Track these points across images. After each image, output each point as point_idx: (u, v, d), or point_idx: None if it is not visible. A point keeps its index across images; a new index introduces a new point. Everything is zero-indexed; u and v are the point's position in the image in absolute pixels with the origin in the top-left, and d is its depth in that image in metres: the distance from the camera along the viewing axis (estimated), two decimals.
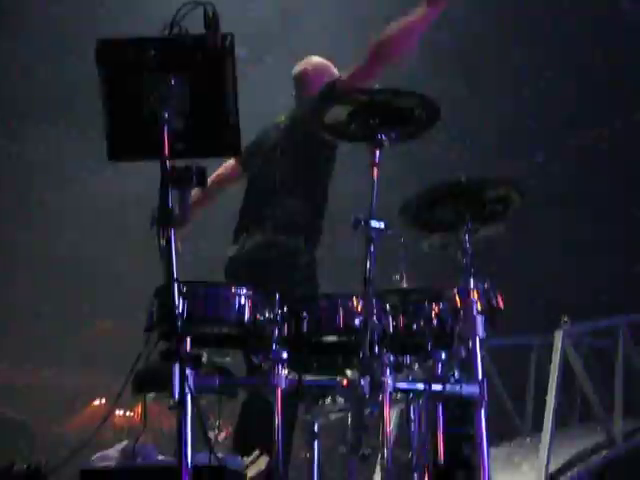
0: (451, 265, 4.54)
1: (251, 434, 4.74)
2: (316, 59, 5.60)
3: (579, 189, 11.42)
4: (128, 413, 17.70)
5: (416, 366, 4.35)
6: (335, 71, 5.44)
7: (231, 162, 5.56)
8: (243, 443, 4.67)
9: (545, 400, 7.74)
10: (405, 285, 4.87)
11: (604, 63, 10.70)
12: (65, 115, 11.36)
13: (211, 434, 4.53)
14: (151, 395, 4.29)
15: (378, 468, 4.89)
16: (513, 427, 9.34)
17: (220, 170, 5.60)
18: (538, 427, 8.31)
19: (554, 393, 7.46)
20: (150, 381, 4.05)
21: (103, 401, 18.77)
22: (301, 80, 5.55)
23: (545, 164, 11.81)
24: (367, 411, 3.82)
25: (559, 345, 7.67)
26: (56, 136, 11.77)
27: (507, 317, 4.36)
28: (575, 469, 7.40)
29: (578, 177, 11.56)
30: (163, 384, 3.85)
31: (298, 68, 5.61)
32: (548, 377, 7.93)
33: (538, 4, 10.26)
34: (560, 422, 7.94)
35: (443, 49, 10.17)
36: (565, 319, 7.82)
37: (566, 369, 7.91)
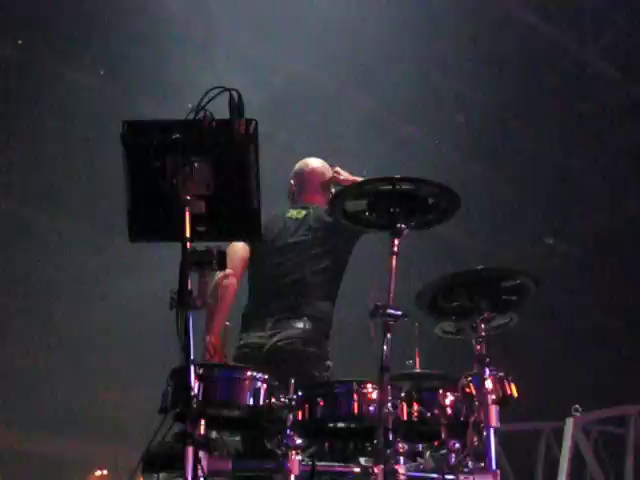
0: (463, 351, 4.55)
1: None
2: (320, 161, 5.72)
3: (589, 274, 11.44)
4: None
5: (427, 454, 4.34)
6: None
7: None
8: None
9: None
10: (418, 370, 4.87)
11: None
12: None
13: None
14: (162, 475, 4.27)
15: None
16: None
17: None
18: None
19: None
20: (162, 461, 4.03)
21: (105, 472, 18.65)
22: (308, 180, 5.62)
23: (557, 246, 11.82)
24: None
25: (569, 433, 7.62)
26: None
27: (517, 402, 4.36)
28: None
29: (588, 261, 11.59)
30: (174, 465, 3.84)
31: (308, 168, 5.67)
32: (556, 462, 7.87)
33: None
34: None
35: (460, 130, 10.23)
36: (576, 407, 7.78)
37: (576, 455, 7.85)
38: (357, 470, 3.87)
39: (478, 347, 4.26)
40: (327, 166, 5.66)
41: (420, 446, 4.21)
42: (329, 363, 4.99)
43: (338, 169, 5.54)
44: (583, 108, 10.19)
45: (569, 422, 7.70)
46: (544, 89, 9.98)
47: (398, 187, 3.94)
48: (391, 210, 3.98)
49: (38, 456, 14.81)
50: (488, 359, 4.21)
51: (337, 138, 9.97)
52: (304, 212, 5.46)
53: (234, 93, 3.66)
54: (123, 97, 9.50)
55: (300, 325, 5.02)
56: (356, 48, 9.23)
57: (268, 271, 5.32)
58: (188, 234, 3.60)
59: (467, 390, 4.16)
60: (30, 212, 11.37)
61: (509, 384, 4.34)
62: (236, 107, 3.68)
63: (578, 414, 7.76)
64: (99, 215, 10.66)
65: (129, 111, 8.60)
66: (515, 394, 4.35)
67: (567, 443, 7.59)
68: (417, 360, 4.90)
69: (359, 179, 5.10)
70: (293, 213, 5.42)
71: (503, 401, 4.23)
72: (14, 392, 14.00)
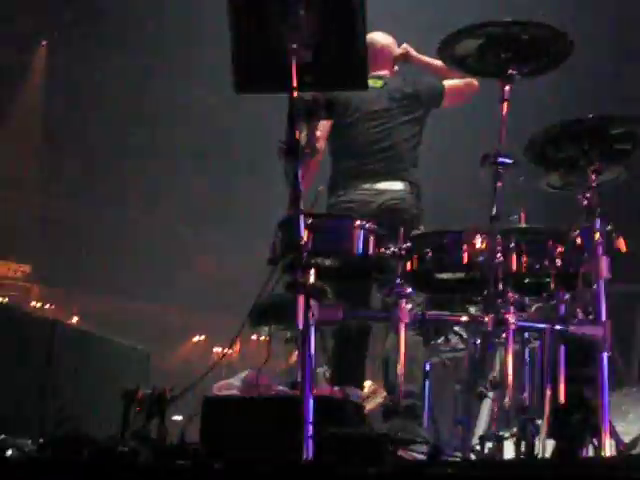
0: (569, 206, 4.47)
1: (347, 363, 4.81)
2: (389, 38, 5.79)
3: None
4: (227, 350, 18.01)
5: (534, 307, 4.31)
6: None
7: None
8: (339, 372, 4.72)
9: None
10: (524, 225, 4.81)
11: None
12: None
13: (321, 370, 4.58)
14: (266, 329, 4.33)
15: (487, 405, 4.87)
16: (619, 376, 9.19)
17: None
18: None
19: None
20: (272, 312, 4.08)
21: (202, 337, 19.15)
22: (379, 54, 5.62)
23: None
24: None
25: None
26: None
27: (623, 259, 4.28)
28: None
29: None
30: (283, 317, 3.89)
31: (379, 44, 5.68)
32: None
33: None
34: None
35: None
36: None
37: None
38: (466, 319, 3.87)
39: (587, 198, 4.17)
40: (395, 42, 5.77)
41: (527, 299, 4.17)
42: (422, 228, 5.03)
43: (406, 47, 5.71)
44: None
45: None
46: None
47: (510, 31, 3.83)
48: (502, 55, 3.89)
49: (137, 322, 15.23)
50: (598, 210, 4.12)
51: None
52: (380, 82, 5.56)
53: None
54: None
55: (403, 187, 5.13)
56: None
57: (359, 135, 5.41)
58: (295, 84, 3.57)
59: (576, 241, 4.10)
60: None
61: (617, 238, 4.25)
62: None
63: None
64: None
65: None
66: (623, 249, 4.27)
67: None
68: (523, 216, 4.84)
69: (430, 59, 5.49)
70: (370, 82, 5.43)
71: (612, 253, 4.16)
72: (117, 262, 14.39)
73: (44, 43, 13.51)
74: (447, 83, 5.54)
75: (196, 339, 19.19)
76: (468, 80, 5.47)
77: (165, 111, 12.92)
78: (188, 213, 14.80)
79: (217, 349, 17.31)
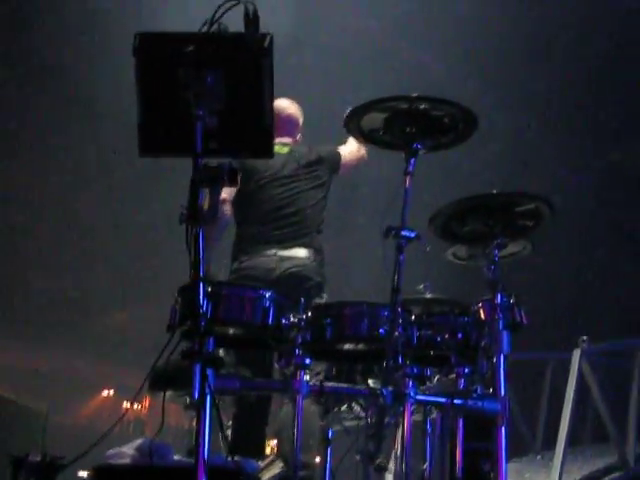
0: (473, 276, 4.50)
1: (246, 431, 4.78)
2: (294, 107, 5.92)
3: (600, 206, 11.36)
4: (135, 406, 17.80)
5: (435, 379, 4.32)
6: None
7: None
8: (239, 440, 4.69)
9: (557, 417, 7.66)
10: (429, 295, 4.83)
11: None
12: None
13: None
14: (168, 394, 4.25)
15: (389, 478, 4.84)
16: (523, 443, 9.26)
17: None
18: (549, 444, 8.26)
19: (569, 412, 7.38)
20: (168, 379, 4.01)
21: (112, 392, 18.89)
22: (285, 122, 5.72)
23: (569, 179, 11.71)
24: (386, 421, 3.79)
25: (576, 365, 7.60)
26: None
27: (525, 331, 4.32)
28: None
29: (600, 194, 11.50)
30: (181, 383, 3.83)
31: (285, 112, 5.75)
32: (560, 394, 7.85)
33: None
34: (572, 440, 7.87)
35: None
36: (584, 339, 7.74)
37: (581, 387, 7.83)
38: (365, 391, 3.85)
39: (491, 273, 4.21)
40: (300, 109, 5.90)
41: (429, 371, 4.17)
42: (325, 296, 5.06)
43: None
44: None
45: (575, 353, 7.67)
46: (563, 23, 9.81)
47: (415, 106, 3.87)
48: (407, 130, 3.92)
49: (46, 374, 14.94)
50: (501, 285, 4.15)
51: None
52: (286, 148, 5.62)
53: (249, 6, 3.58)
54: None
55: (306, 254, 5.14)
56: None
57: (265, 200, 5.44)
58: (200, 150, 3.56)
59: (478, 315, 4.12)
60: None
61: (519, 311, 4.29)
62: (251, 20, 3.60)
63: (585, 345, 7.73)
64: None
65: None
66: (525, 321, 4.30)
67: (573, 374, 7.57)
68: (427, 285, 4.87)
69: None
70: (276, 148, 5.45)
71: (513, 328, 4.19)
72: (24, 310, 14.06)
73: None
74: (342, 152, 5.68)
75: (105, 393, 18.94)
76: (360, 154, 5.73)
77: None
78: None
79: (127, 404, 17.08)
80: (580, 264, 11.41)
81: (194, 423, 3.93)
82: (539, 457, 8.75)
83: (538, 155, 11.28)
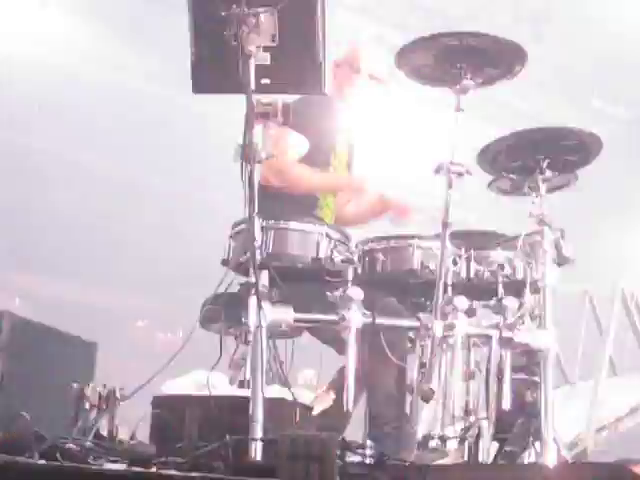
0: (519, 211, 4.53)
1: None
2: None
3: None
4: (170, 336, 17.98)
5: (479, 310, 4.36)
6: None
7: None
8: None
9: (593, 348, 7.74)
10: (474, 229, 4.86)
11: None
12: None
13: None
14: (217, 326, 4.33)
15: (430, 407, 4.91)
16: (562, 372, 9.32)
17: None
18: (586, 375, 8.32)
19: (610, 341, 7.43)
20: (223, 311, 4.09)
21: (145, 323, 19.03)
22: None
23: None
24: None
25: (618, 298, 7.65)
26: None
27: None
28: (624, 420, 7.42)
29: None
30: (234, 316, 3.91)
31: None
32: (597, 326, 7.90)
33: None
34: (611, 371, 7.95)
35: None
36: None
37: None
38: (416, 325, 3.92)
39: (537, 206, 4.24)
40: None
41: (476, 303, 4.22)
42: None
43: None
44: None
45: (617, 287, 7.72)
46: None
47: (465, 42, 3.89)
48: (458, 65, 3.94)
49: (79, 305, 15.07)
50: (547, 218, 4.19)
51: None
52: None
53: None
54: None
55: None
56: None
57: None
58: (253, 86, 3.60)
59: (525, 249, 4.16)
60: None
61: (566, 244, 4.32)
62: None
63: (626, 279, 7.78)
64: None
65: None
66: (572, 255, 4.34)
67: (616, 307, 7.62)
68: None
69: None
70: None
71: (560, 262, 4.24)
72: (57, 241, 14.14)
73: None
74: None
75: (140, 324, 19.07)
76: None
77: None
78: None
79: (161, 335, 17.23)
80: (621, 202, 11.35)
81: (241, 354, 4.02)
82: (578, 385, 8.81)
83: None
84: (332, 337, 4.06)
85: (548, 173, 4.22)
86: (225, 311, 3.99)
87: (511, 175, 4.38)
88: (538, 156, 4.20)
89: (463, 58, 3.93)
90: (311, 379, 4.46)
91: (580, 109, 11.16)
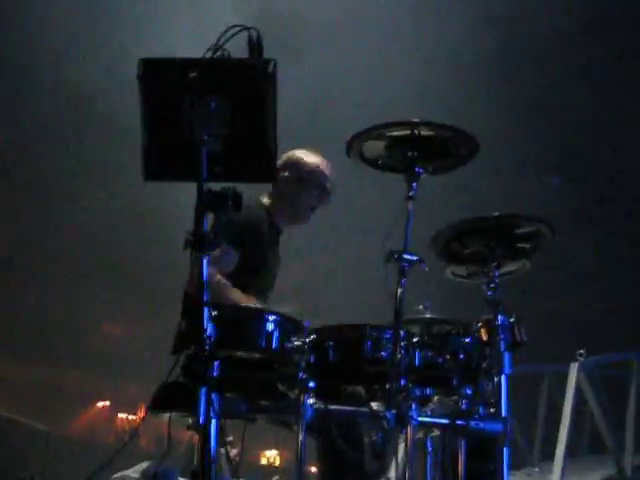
0: (470, 294, 4.53)
1: None
2: None
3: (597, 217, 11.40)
4: (130, 417, 17.81)
5: (436, 399, 4.33)
6: None
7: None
8: None
9: (553, 429, 7.71)
10: (429, 315, 4.85)
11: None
12: None
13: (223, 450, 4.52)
14: (167, 415, 4.27)
15: None
16: (520, 456, 9.29)
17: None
18: (545, 456, 8.29)
19: (567, 425, 7.41)
20: (172, 400, 4.03)
21: (107, 404, 18.84)
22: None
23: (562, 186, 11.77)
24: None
25: (574, 377, 7.64)
26: None
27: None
28: None
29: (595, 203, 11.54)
30: (184, 405, 3.85)
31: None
32: (557, 406, 7.89)
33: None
34: (569, 452, 7.90)
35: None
36: (581, 352, 7.79)
37: (578, 399, 7.88)
38: (368, 414, 3.86)
39: (491, 292, 4.24)
40: None
41: (429, 391, 4.19)
42: None
43: None
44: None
45: (573, 367, 7.72)
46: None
47: (417, 131, 3.90)
48: (409, 154, 3.95)
49: (39, 386, 14.90)
50: (501, 305, 4.18)
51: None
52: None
53: (253, 32, 3.60)
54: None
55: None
56: None
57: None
58: (204, 174, 3.58)
59: (479, 335, 4.15)
60: None
61: (520, 329, 4.31)
62: (255, 46, 3.63)
63: (582, 359, 7.77)
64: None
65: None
66: (525, 339, 4.33)
67: (571, 387, 7.61)
68: (427, 305, 4.87)
69: None
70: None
71: (514, 346, 4.22)
72: (15, 322, 14.00)
73: None
74: None
75: (100, 405, 18.90)
76: None
77: None
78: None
79: (122, 415, 17.08)
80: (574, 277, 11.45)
81: (194, 441, 3.95)
82: (537, 469, 8.80)
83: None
84: (285, 422, 4.02)
85: (501, 260, 4.23)
86: (175, 400, 3.94)
87: (464, 262, 4.40)
88: (491, 244, 4.21)
89: (414, 147, 3.94)
90: (274, 459, 4.41)
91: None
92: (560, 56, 10.51)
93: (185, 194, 3.69)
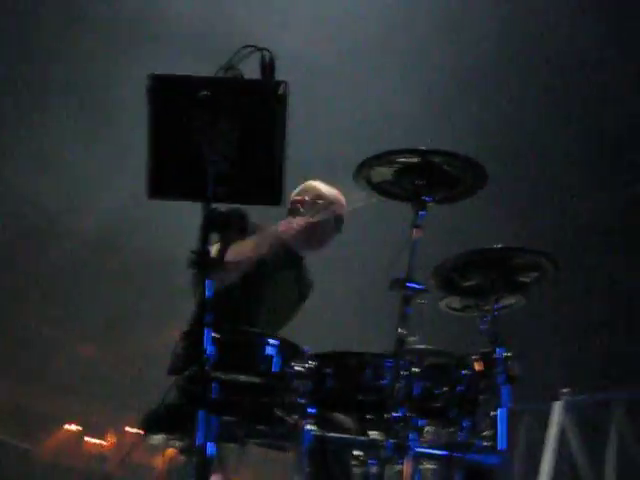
0: (464, 328, 4.51)
1: None
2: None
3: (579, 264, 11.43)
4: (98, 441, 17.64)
5: (432, 429, 4.30)
6: None
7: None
8: None
9: (533, 466, 7.70)
10: (423, 346, 4.82)
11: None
12: None
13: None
14: (158, 437, 4.22)
15: None
16: None
17: None
18: None
19: (549, 463, 7.40)
20: (165, 423, 3.99)
21: (75, 427, 18.61)
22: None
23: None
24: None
25: (557, 416, 7.64)
26: None
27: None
28: None
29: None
30: (175, 427, 3.81)
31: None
32: (537, 443, 7.88)
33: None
34: None
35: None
36: (564, 391, 7.80)
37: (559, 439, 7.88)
38: (367, 442, 3.84)
39: (489, 326, 4.22)
40: None
41: (425, 422, 4.16)
42: None
43: None
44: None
45: (556, 405, 7.72)
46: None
47: (425, 159, 3.89)
48: (416, 182, 3.94)
49: (5, 408, 14.74)
50: (499, 339, 4.17)
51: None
52: None
53: (266, 53, 3.59)
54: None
55: None
56: None
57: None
58: (210, 194, 3.55)
59: (477, 368, 4.12)
60: None
61: (514, 364, 4.30)
62: (267, 67, 3.62)
63: (565, 397, 7.77)
64: None
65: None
66: (519, 374, 4.31)
67: (554, 426, 7.60)
68: (417, 337, 4.85)
69: None
70: None
71: (511, 381, 4.20)
72: None
73: None
74: None
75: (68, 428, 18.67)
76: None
77: None
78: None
79: (92, 439, 16.92)
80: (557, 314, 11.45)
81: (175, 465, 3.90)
82: None
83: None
84: (281, 446, 4.00)
85: (500, 293, 4.22)
86: (168, 422, 3.90)
87: (461, 294, 4.38)
88: (492, 276, 4.20)
89: (422, 175, 3.93)
90: None
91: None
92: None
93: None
